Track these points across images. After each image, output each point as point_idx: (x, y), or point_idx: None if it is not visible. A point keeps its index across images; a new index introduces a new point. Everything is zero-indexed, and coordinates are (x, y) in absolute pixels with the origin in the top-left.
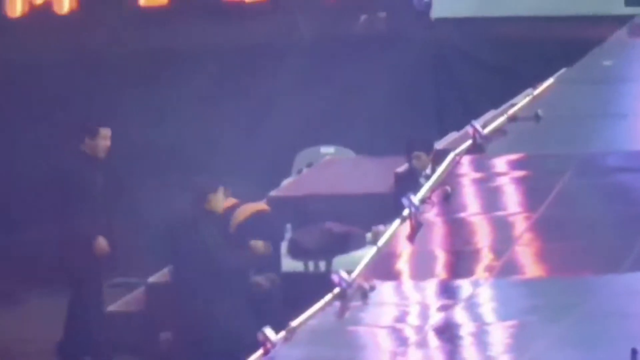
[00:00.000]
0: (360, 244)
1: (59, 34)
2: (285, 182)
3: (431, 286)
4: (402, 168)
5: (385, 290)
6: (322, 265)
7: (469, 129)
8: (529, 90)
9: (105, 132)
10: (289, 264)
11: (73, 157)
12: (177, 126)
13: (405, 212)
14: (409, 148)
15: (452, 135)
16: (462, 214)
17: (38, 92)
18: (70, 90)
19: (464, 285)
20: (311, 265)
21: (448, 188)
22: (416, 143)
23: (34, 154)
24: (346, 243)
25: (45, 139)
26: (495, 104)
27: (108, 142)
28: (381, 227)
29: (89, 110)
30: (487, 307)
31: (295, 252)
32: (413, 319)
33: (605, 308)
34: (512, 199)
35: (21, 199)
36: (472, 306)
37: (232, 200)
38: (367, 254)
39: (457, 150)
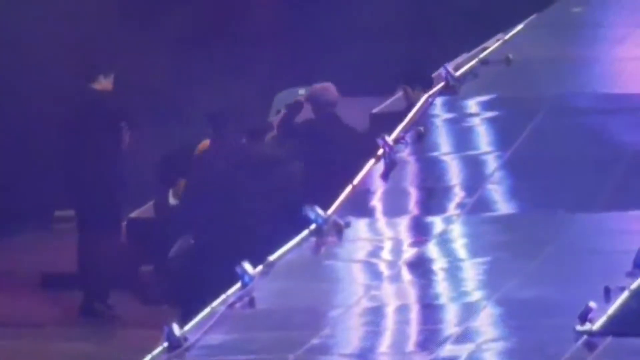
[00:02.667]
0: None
1: None
2: None
3: (404, 222)
4: (378, 109)
5: (359, 226)
6: None
7: (441, 71)
8: (499, 35)
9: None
10: None
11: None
12: (156, 68)
13: (380, 151)
14: (406, 79)
15: None
16: (435, 153)
17: None
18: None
19: (437, 222)
20: None
21: (421, 128)
22: (413, 76)
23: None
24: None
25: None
26: (468, 48)
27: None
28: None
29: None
30: (459, 243)
31: None
32: (386, 254)
33: (577, 246)
34: (483, 138)
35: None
36: (444, 242)
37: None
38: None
39: (430, 92)
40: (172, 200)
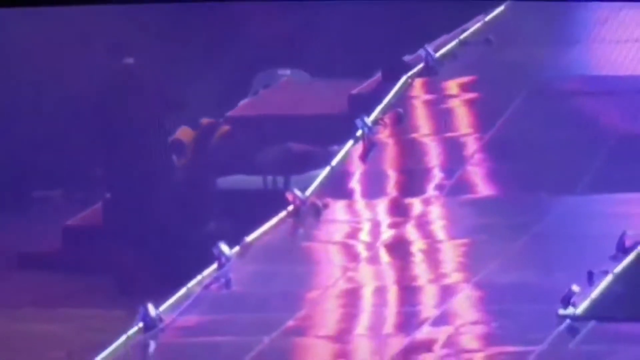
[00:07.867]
0: (320, 163)
1: None
2: (242, 103)
3: (383, 204)
4: (357, 90)
5: (338, 208)
6: (281, 182)
7: (421, 52)
8: (480, 17)
9: None
10: (246, 181)
11: None
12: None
13: (359, 132)
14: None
15: (405, 59)
16: (414, 135)
17: None
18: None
19: (415, 204)
20: (269, 183)
21: (400, 110)
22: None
23: None
24: (305, 162)
25: None
26: (448, 29)
27: None
28: (335, 148)
29: None
30: (438, 225)
31: (255, 168)
32: (365, 235)
33: (560, 229)
34: (463, 120)
35: None
36: (423, 224)
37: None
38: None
39: (410, 73)
40: None
